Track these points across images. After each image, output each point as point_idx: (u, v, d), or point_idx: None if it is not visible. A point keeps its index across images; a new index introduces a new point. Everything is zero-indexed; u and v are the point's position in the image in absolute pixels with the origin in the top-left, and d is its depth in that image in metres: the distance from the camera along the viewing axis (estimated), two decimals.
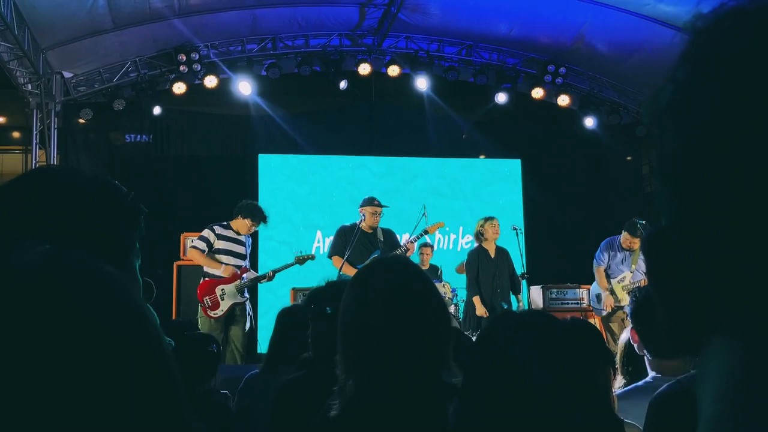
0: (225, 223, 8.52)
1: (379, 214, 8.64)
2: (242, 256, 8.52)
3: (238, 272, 8.41)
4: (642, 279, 8.66)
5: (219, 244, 8.41)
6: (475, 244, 9.35)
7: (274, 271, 8.66)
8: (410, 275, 2.05)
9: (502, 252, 9.16)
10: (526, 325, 1.51)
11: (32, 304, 0.72)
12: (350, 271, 8.44)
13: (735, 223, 0.58)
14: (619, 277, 8.92)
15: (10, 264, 0.76)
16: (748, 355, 0.60)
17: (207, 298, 8.34)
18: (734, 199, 0.58)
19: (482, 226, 9.19)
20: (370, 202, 8.65)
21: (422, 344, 1.90)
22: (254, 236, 10.19)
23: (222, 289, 8.33)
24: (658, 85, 0.68)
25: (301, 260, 8.85)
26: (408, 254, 8.70)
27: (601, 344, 1.63)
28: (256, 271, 8.92)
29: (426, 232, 9.04)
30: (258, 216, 8.52)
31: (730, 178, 0.58)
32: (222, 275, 8.34)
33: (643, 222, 9.12)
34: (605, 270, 8.98)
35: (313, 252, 11.24)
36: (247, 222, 8.46)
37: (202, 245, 8.36)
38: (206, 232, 8.42)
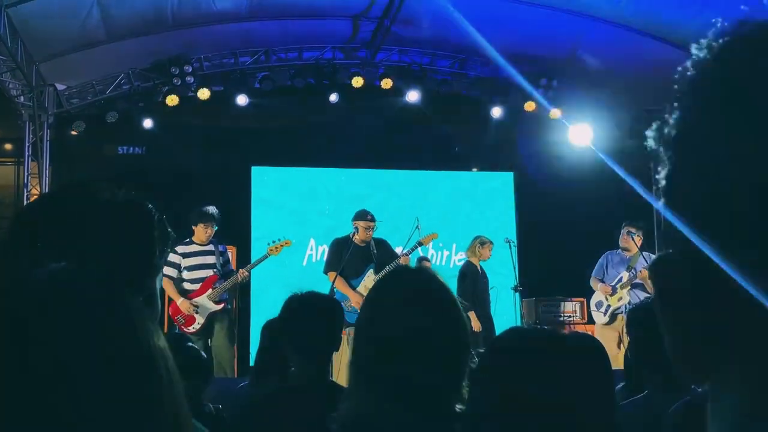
0: (187, 240, 8.41)
1: (372, 229, 8.59)
2: (213, 266, 8.40)
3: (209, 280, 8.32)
4: (639, 273, 8.72)
5: (187, 262, 8.30)
6: (468, 260, 9.41)
7: (247, 268, 8.54)
8: (429, 285, 2.02)
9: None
10: (536, 353, 1.50)
11: (32, 317, 0.74)
12: (343, 288, 8.41)
13: (744, 253, 0.58)
14: (617, 278, 8.97)
15: (26, 279, 0.77)
16: (753, 391, 0.60)
17: (179, 315, 8.25)
18: (739, 229, 0.58)
19: (480, 246, 9.31)
20: (363, 216, 8.58)
21: (437, 362, 1.86)
22: (246, 248, 10.18)
23: (194, 303, 8.23)
24: (664, 115, 0.68)
25: (275, 249, 8.69)
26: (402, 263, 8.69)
27: (606, 360, 1.62)
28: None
29: (420, 243, 9.04)
30: (204, 217, 8.37)
31: (735, 210, 0.59)
32: (191, 289, 8.25)
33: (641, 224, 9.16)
34: (601, 279, 9.05)
35: (305, 261, 11.24)
36: (201, 228, 8.36)
37: (172, 271, 8.21)
38: (171, 256, 8.20)
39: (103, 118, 10.85)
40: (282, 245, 8.73)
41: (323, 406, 2.95)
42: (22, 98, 10.09)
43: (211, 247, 8.44)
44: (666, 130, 0.66)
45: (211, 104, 11.13)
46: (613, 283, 8.93)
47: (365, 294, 8.10)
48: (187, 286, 8.31)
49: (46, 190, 10.38)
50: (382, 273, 2.07)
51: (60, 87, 10.63)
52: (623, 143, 12.29)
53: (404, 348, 1.85)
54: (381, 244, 8.76)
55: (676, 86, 0.70)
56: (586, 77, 11.53)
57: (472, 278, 9.21)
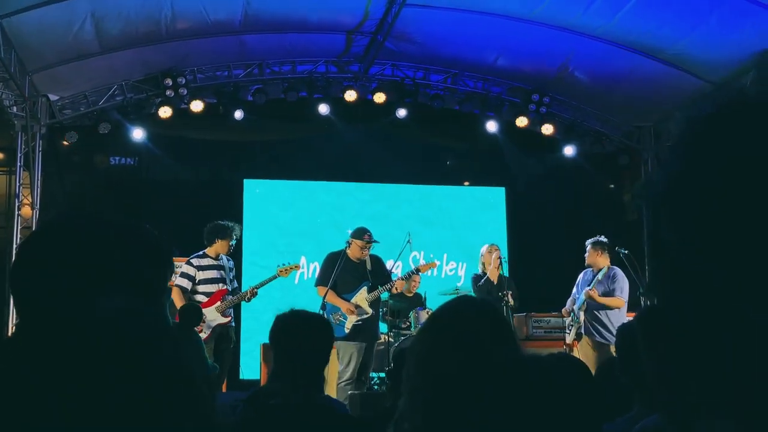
0: (201, 252, 8.59)
1: (368, 249, 8.57)
2: (224, 280, 8.54)
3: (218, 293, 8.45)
4: (585, 293, 8.80)
5: (201, 275, 8.46)
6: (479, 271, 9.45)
7: (256, 287, 8.64)
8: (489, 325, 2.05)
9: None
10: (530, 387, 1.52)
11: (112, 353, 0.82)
12: (333, 299, 8.41)
13: (728, 308, 0.59)
14: (579, 297, 9.06)
15: (97, 314, 0.83)
16: None
17: None
18: (725, 283, 0.60)
19: (485, 254, 9.37)
20: (360, 235, 8.53)
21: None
22: (238, 262, 10.19)
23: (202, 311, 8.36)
24: (653, 172, 0.69)
25: (285, 271, 8.79)
26: (393, 291, 8.70)
27: (591, 380, 1.64)
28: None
29: (418, 270, 9.07)
30: (227, 232, 8.60)
31: (721, 267, 0.60)
32: (200, 301, 8.38)
33: (626, 252, 9.21)
34: (574, 300, 9.17)
35: (297, 279, 11.24)
36: (226, 242, 8.52)
37: (186, 282, 8.41)
38: (186, 268, 8.48)
39: (96, 129, 10.85)
40: (291, 268, 8.86)
41: (315, 422, 2.97)
42: (14, 108, 10.09)
43: (222, 262, 8.58)
44: (656, 188, 0.67)
45: (203, 117, 11.14)
46: (577, 305, 9.05)
47: (357, 305, 8.12)
48: (198, 297, 8.48)
49: (38, 201, 10.37)
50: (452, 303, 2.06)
51: (53, 98, 10.64)
52: (613, 159, 12.37)
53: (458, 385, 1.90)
54: (376, 262, 8.75)
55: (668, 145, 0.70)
56: (578, 93, 11.60)
57: (475, 289, 9.28)
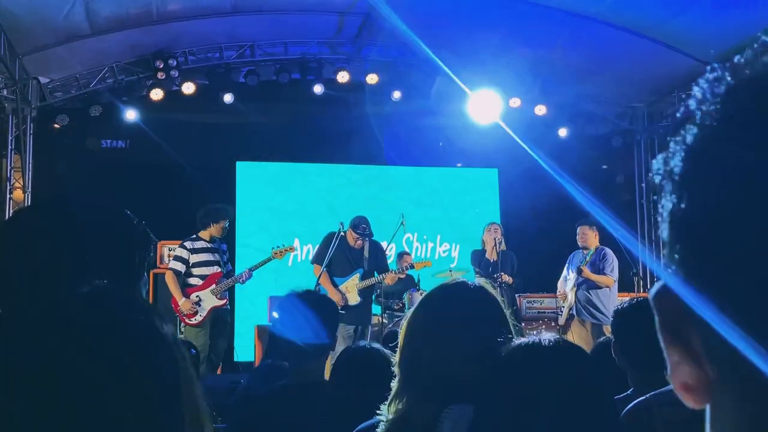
0: (194, 236, 8.58)
1: (360, 240, 8.57)
2: (218, 263, 8.55)
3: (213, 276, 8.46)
4: (582, 272, 8.82)
5: (194, 259, 8.46)
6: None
7: (251, 269, 8.66)
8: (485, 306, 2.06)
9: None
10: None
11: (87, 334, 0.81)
12: (326, 284, 8.40)
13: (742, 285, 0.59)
14: (569, 279, 9.08)
15: (67, 297, 0.82)
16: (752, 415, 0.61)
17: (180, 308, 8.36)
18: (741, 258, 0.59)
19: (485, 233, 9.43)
20: (355, 226, 8.54)
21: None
22: (231, 244, 10.18)
23: (197, 296, 8.37)
24: (669, 149, 0.67)
25: (279, 254, 8.81)
26: (387, 281, 8.70)
27: (591, 365, 1.64)
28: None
29: (412, 266, 9.08)
30: (226, 214, 8.62)
31: (739, 243, 0.59)
32: (195, 284, 8.39)
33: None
34: (564, 281, 9.19)
35: (290, 261, 11.24)
36: (221, 225, 8.52)
37: (180, 266, 8.42)
38: (180, 251, 8.50)
39: (87, 111, 10.79)
40: (286, 251, 8.87)
41: (318, 403, 2.98)
42: (5, 91, 10.02)
43: (215, 245, 8.58)
44: (673, 164, 0.66)
45: (195, 99, 11.08)
46: (568, 287, 9.07)
47: (345, 294, 8.13)
48: (192, 280, 8.48)
49: (29, 184, 10.33)
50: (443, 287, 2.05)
51: (43, 80, 10.57)
52: (606, 140, 12.36)
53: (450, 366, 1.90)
54: (375, 250, 8.74)
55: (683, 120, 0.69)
56: (571, 74, 11.57)
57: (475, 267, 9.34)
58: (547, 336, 1.64)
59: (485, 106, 10.91)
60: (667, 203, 0.65)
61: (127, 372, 0.80)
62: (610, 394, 1.56)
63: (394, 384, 2.03)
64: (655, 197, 0.69)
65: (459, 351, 1.92)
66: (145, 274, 1.45)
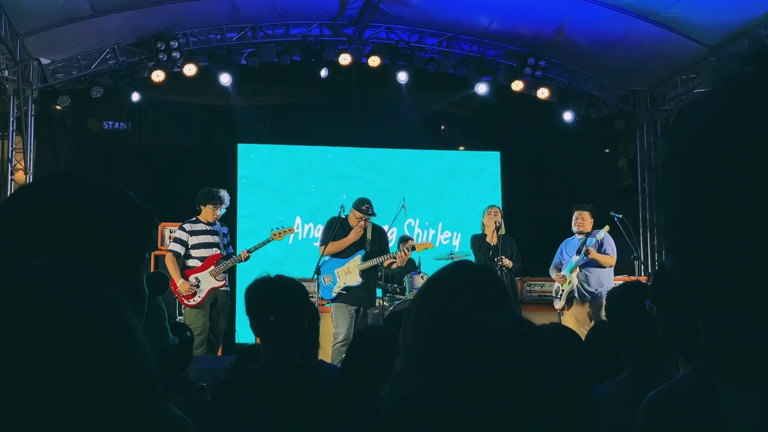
0: (193, 218, 8.61)
1: (364, 221, 8.57)
2: (217, 245, 8.57)
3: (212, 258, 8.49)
4: (587, 253, 8.80)
5: (193, 240, 8.50)
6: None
7: (249, 251, 8.70)
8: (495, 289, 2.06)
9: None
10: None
11: (29, 315, 0.78)
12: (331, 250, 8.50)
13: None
14: (568, 262, 9.05)
15: (13, 277, 0.81)
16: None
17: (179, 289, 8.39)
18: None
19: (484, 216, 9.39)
20: (359, 206, 8.53)
21: None
22: (231, 226, 10.19)
23: (196, 278, 8.41)
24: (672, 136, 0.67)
25: (278, 235, 8.84)
26: (387, 264, 8.71)
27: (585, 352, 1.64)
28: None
29: (414, 248, 9.08)
30: (214, 199, 8.57)
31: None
32: (194, 266, 8.41)
33: (621, 216, 9.23)
34: (560, 266, 9.15)
35: (291, 239, 11.25)
36: (210, 209, 8.53)
37: (179, 248, 8.47)
38: (179, 233, 8.55)
39: (88, 93, 10.78)
40: (285, 232, 8.90)
41: (290, 385, 3.01)
42: (6, 72, 10.02)
43: (216, 228, 8.58)
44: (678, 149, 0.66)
45: (196, 80, 11.06)
46: (564, 271, 9.05)
47: (347, 275, 8.15)
48: (191, 262, 8.51)
49: (31, 165, 10.34)
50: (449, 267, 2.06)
51: (45, 61, 10.55)
52: (608, 123, 12.33)
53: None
54: (377, 233, 8.75)
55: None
56: (574, 57, 11.54)
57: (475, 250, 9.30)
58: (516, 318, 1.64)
59: None
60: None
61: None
62: (580, 380, 1.55)
63: (399, 363, 2.05)
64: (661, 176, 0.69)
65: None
66: (147, 256, 1.43)
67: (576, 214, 9.07)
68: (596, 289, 8.80)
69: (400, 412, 1.93)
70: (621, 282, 7.82)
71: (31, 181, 10.18)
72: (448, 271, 2.16)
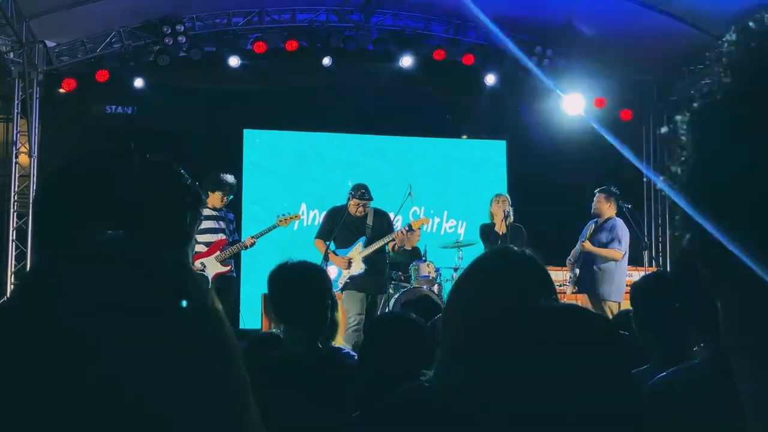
0: None
1: (363, 206, 8.53)
2: (223, 231, 8.57)
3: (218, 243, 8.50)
4: (582, 245, 8.75)
5: (201, 225, 8.46)
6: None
7: (254, 237, 8.69)
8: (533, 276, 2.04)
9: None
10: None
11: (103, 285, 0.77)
12: (334, 259, 8.42)
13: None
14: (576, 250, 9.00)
15: (91, 247, 0.79)
16: None
17: None
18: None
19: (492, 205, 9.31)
20: (355, 192, 8.51)
21: None
22: (237, 212, 10.19)
23: (201, 263, 8.41)
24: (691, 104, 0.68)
25: (284, 221, 8.84)
26: (392, 246, 8.68)
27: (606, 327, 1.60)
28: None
29: (410, 227, 9.04)
30: (223, 185, 8.54)
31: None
32: (200, 251, 8.42)
33: (629, 206, 9.19)
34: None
35: (296, 226, 11.23)
36: (218, 195, 8.52)
37: None
38: None
39: (93, 76, 10.72)
40: (291, 218, 8.90)
41: (314, 372, 2.98)
42: (11, 55, 9.96)
43: (222, 213, 8.58)
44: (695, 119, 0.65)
45: (202, 65, 11.01)
46: (570, 257, 9.00)
47: (350, 260, 8.12)
48: (197, 247, 8.48)
49: (35, 149, 10.29)
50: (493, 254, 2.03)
51: (50, 44, 10.50)
52: (616, 112, 12.29)
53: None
54: (379, 217, 8.71)
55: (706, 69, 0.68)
56: (581, 46, 11.49)
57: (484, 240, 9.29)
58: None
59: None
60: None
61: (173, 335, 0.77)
62: (628, 366, 1.53)
63: (440, 353, 2.02)
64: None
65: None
66: (195, 237, 1.42)
67: (596, 196, 8.97)
68: (596, 285, 8.65)
69: (449, 404, 1.91)
70: (640, 274, 7.75)
71: (35, 165, 10.15)
72: (490, 259, 2.13)
